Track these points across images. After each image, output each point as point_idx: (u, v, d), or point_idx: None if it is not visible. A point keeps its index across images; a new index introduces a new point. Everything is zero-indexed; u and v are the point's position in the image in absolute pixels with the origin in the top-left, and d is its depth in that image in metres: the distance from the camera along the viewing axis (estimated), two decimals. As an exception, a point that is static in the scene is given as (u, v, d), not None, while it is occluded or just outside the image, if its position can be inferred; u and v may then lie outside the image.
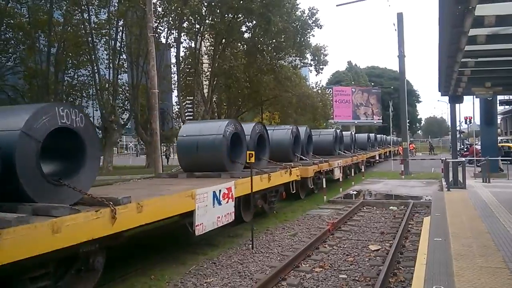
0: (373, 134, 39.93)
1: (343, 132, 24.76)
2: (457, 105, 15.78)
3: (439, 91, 12.38)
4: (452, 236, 6.98)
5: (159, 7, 29.03)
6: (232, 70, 27.83)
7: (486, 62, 8.17)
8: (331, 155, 20.19)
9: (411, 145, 40.71)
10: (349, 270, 7.10)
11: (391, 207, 13.40)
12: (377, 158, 32.40)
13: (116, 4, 30.14)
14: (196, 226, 7.24)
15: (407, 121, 27.39)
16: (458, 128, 24.87)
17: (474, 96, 19.03)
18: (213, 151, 10.13)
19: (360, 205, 13.44)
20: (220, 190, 8.02)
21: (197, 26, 28.64)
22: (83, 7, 28.00)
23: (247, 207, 9.99)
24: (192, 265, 7.39)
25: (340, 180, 17.74)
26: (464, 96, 13.64)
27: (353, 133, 28.89)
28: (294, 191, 12.91)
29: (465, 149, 29.34)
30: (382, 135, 47.76)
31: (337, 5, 31.43)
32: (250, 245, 8.55)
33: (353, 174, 20.55)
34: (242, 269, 7.17)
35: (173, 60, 35.26)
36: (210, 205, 7.62)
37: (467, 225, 7.87)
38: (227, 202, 8.26)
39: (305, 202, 14.63)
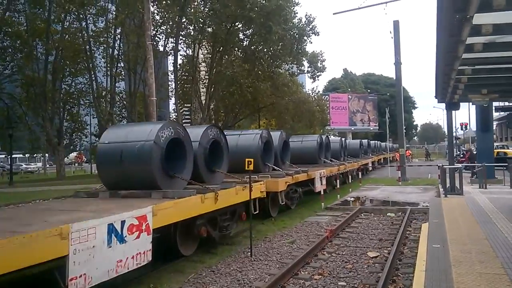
0: (366, 140, 37.83)
1: (330, 138, 22.79)
2: (453, 111, 15.93)
3: (435, 98, 12.48)
4: (450, 243, 7.00)
5: (157, 15, 29.18)
6: (235, 77, 27.94)
7: (482, 70, 8.26)
8: (315, 163, 18.03)
9: (407, 151, 40.69)
10: (348, 277, 7.10)
11: (388, 214, 13.42)
12: (370, 166, 30.36)
13: (113, 13, 30.28)
14: (71, 279, 4.76)
15: (403, 127, 27.49)
16: (454, 134, 25.05)
17: (470, 103, 19.23)
18: (140, 163, 7.83)
19: (357, 212, 13.45)
20: (123, 222, 5.59)
21: (195, 34, 28.75)
22: (81, 15, 28.08)
23: (187, 238, 8.06)
24: (191, 274, 7.37)
25: (322, 193, 15.34)
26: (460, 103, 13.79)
27: (343, 139, 26.35)
28: (257, 212, 10.20)
29: (462, 155, 29.45)
30: (376, 141, 45.63)
31: (334, 13, 31.77)
32: (249, 253, 8.53)
33: (350, 181, 20.59)
34: (241, 277, 7.16)
35: (171, 67, 35.37)
36: (101, 246, 5.22)
37: (465, 231, 7.90)
38: (138, 237, 5.87)
39: (303, 209, 14.63)
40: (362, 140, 34.40)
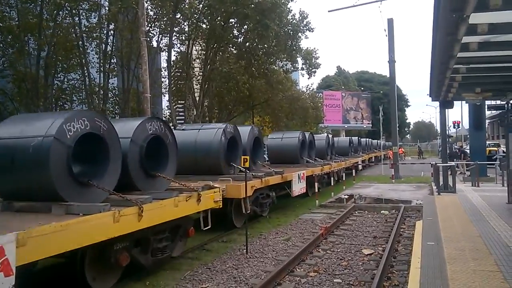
0: (357, 137, 36.46)
1: (314, 136, 20.43)
2: (446, 110, 16.03)
3: (429, 96, 12.55)
4: (444, 240, 7.07)
5: (151, 11, 28.99)
6: (232, 73, 27.85)
7: (477, 69, 8.33)
8: (296, 163, 16.53)
9: (400, 149, 40.83)
10: (343, 275, 7.15)
11: (382, 211, 13.51)
12: (360, 165, 27.51)
13: (107, 8, 30.03)
14: None
15: (397, 125, 27.64)
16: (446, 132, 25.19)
17: (463, 102, 19.37)
18: (35, 167, 5.78)
19: (352, 209, 13.53)
20: None
21: (190, 30, 28.64)
22: (74, 10, 27.83)
23: (101, 267, 6.12)
24: (187, 271, 7.38)
25: (305, 194, 14.88)
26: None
27: (330, 136, 25.40)
28: (209, 226, 8.12)
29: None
30: (367, 139, 43.99)
31: (329, 11, 32.23)
32: (245, 250, 8.56)
33: (333, 183, 20.35)
34: (237, 274, 7.18)
35: (164, 64, 35.20)
36: None
37: (458, 229, 7.97)
38: None
39: (297, 207, 14.69)
40: (352, 138, 32.82)
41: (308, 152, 18.20)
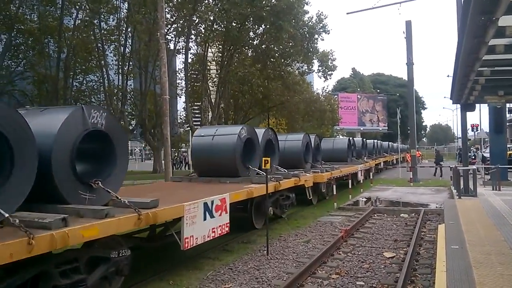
0: (361, 139, 29.71)
1: (320, 139, 19.10)
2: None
3: (450, 99, 12.44)
4: (468, 244, 7.00)
5: (168, 13, 29.30)
6: (247, 76, 28.00)
7: (501, 71, 8.24)
8: (299, 168, 14.92)
9: (417, 152, 40.17)
10: (366, 277, 7.13)
11: (402, 215, 13.40)
12: (360, 176, 20.36)
13: (125, 11, 30.45)
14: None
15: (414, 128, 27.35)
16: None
17: (481, 104, 19.13)
18: None
19: (370, 212, 13.44)
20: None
21: (206, 33, 28.84)
22: (95, 16, 28.22)
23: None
24: (209, 271, 7.44)
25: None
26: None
27: (341, 138, 24.78)
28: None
29: (473, 157, 29.26)
30: (375, 141, 36.67)
31: (347, 13, 31.71)
32: (265, 251, 8.58)
33: (362, 181, 20.56)
34: (259, 275, 7.21)
35: (181, 66, 35.52)
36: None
37: (482, 233, 7.89)
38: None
39: (316, 209, 14.66)
40: (354, 139, 26.85)
41: (314, 156, 17.11)
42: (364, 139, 29.20)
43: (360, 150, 25.91)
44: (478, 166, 18.91)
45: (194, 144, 12.07)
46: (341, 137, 40.96)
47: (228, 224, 7.83)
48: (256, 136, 11.94)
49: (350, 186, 17.16)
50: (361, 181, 20.42)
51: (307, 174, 13.67)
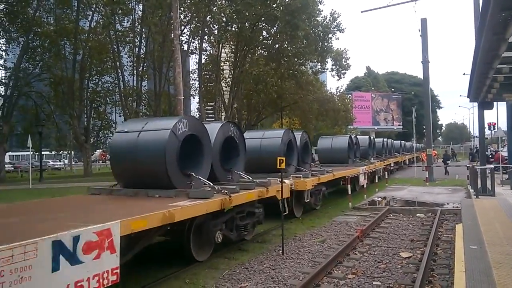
0: (367, 137, 26.24)
1: (308, 136, 16.13)
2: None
3: (468, 97, 12.26)
4: (488, 244, 6.88)
5: (181, 14, 29.48)
6: (261, 75, 28.02)
7: (521, 68, 8.09)
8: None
9: (433, 151, 39.56)
10: (382, 277, 7.07)
11: (418, 214, 13.26)
12: (362, 180, 17.88)
13: (139, 12, 30.72)
14: None
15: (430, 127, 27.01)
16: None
17: (498, 102, 18.78)
18: None
19: (386, 212, 13.32)
20: None
21: (220, 33, 28.94)
22: (112, 18, 28.50)
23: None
24: (225, 270, 7.46)
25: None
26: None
27: (340, 136, 21.55)
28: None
29: (490, 156, 28.81)
30: (385, 139, 32.76)
31: (362, 11, 31.50)
32: (280, 251, 8.57)
33: (377, 181, 20.32)
34: (274, 275, 7.20)
35: (194, 66, 35.71)
36: None
37: (501, 233, 7.75)
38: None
39: (330, 209, 14.60)
40: (359, 137, 24.29)
41: (301, 158, 14.70)
42: (372, 137, 25.92)
43: (366, 150, 22.98)
44: (494, 165, 18.57)
45: (113, 143, 9.06)
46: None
47: (117, 270, 4.84)
48: (204, 132, 8.97)
49: (349, 192, 15.21)
50: (364, 186, 17.70)
51: (286, 181, 10.44)
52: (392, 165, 25.62)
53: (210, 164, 9.01)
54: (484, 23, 5.16)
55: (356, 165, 18.88)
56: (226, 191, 7.71)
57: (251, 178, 9.67)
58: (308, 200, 12.47)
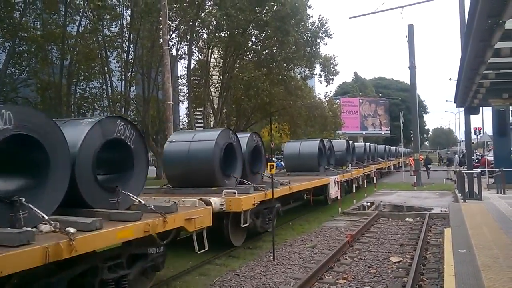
0: (346, 141, 22.73)
1: (260, 139, 12.52)
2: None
3: (454, 102, 12.43)
4: (476, 248, 6.96)
5: (169, 19, 29.43)
6: (253, 81, 28.02)
7: (506, 74, 8.24)
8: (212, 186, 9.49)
9: (420, 156, 39.65)
10: (373, 282, 7.10)
11: (407, 219, 13.36)
12: (334, 192, 15.14)
13: (128, 17, 30.58)
14: None
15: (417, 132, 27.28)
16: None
17: (484, 108, 19.07)
18: None
19: (375, 217, 13.41)
20: None
21: (210, 38, 28.96)
22: (99, 23, 28.30)
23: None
24: (216, 277, 7.42)
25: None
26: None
27: (310, 140, 19.29)
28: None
29: (476, 160, 29.19)
30: (368, 144, 30.02)
31: (350, 18, 31.81)
32: (271, 257, 8.56)
33: (365, 186, 20.38)
34: (266, 281, 7.19)
35: (183, 71, 35.64)
36: None
37: (489, 236, 7.85)
38: None
39: (320, 214, 14.62)
40: (334, 141, 20.78)
41: (247, 166, 11.29)
42: (351, 142, 23.63)
43: (343, 156, 20.51)
44: (481, 169, 18.82)
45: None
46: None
47: None
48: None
49: (311, 203, 14.15)
50: (338, 198, 15.30)
51: (214, 200, 7.99)
52: (374, 171, 22.82)
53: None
54: (470, 30, 5.25)
55: (328, 173, 16.07)
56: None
57: (142, 202, 6.23)
58: (247, 224, 9.07)
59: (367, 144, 29.86)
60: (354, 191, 18.69)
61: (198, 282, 7.19)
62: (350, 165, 20.62)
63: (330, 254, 8.41)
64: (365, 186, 20.92)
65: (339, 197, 15.34)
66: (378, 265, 8.10)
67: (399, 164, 39.33)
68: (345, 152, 20.75)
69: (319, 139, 17.66)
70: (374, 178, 22.16)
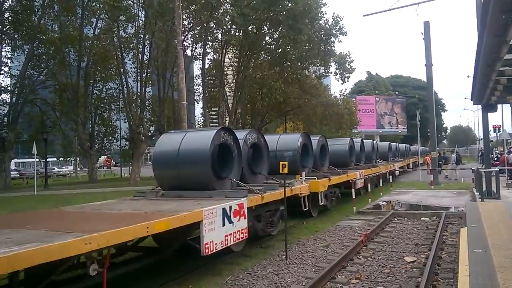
0: (349, 140, 19.71)
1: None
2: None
3: (471, 99, 12.21)
4: (492, 248, 6.83)
5: (185, 20, 29.61)
6: (266, 80, 28.03)
7: (523, 70, 8.05)
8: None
9: (428, 156, 38.26)
10: (386, 282, 7.02)
11: (422, 218, 13.17)
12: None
13: (143, 19, 30.89)
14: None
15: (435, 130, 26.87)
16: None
17: (503, 105, 18.70)
18: None
19: (390, 216, 13.25)
20: None
21: (224, 38, 29.03)
22: (114, 24, 28.64)
23: None
24: (228, 276, 7.43)
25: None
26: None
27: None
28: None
29: (496, 159, 28.65)
30: (374, 142, 26.63)
31: (364, 15, 31.67)
32: (284, 256, 8.54)
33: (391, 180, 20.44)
34: (278, 280, 7.17)
35: (198, 72, 35.82)
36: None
37: (506, 236, 7.70)
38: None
39: (334, 213, 14.53)
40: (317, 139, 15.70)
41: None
42: (374, 141, 22.46)
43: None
44: (500, 168, 18.46)
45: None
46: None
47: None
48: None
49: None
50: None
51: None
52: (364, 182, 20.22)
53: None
54: (484, 25, 5.14)
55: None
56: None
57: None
58: None
59: (367, 142, 24.61)
60: (381, 185, 21.47)
61: (210, 280, 7.21)
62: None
63: (343, 254, 8.35)
64: (391, 180, 22.10)
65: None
66: (392, 265, 8.00)
67: (416, 163, 38.85)
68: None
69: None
70: (390, 177, 22.13)
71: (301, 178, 12.26)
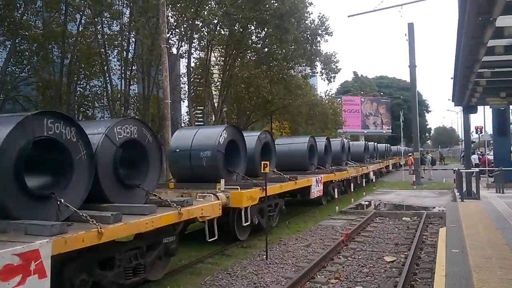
0: (311, 139, 16.28)
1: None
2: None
3: (452, 101, 12.36)
4: (469, 248, 6.91)
5: (171, 18, 29.35)
6: (253, 78, 27.93)
7: (502, 72, 8.15)
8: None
9: (410, 157, 38.12)
10: (365, 282, 7.05)
11: (404, 218, 13.30)
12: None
13: (127, 16, 30.54)
14: None
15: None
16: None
17: (486, 107, 18.96)
18: None
19: (372, 216, 13.35)
20: None
21: (210, 36, 28.88)
22: (96, 18, 28.30)
23: None
24: (207, 276, 7.38)
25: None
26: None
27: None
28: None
29: (478, 160, 29.03)
30: (343, 140, 22.88)
31: (348, 16, 31.83)
32: (264, 256, 8.52)
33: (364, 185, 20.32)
34: (257, 280, 7.15)
35: (184, 70, 35.55)
36: None
37: (484, 236, 7.79)
38: None
39: (317, 213, 14.57)
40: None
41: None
42: (346, 140, 21.46)
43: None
44: (481, 169, 18.73)
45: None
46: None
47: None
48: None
49: (352, 190, 15.60)
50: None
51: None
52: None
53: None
54: (462, 27, 5.18)
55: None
56: None
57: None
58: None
59: (345, 141, 24.43)
60: (352, 190, 18.12)
61: (189, 281, 7.15)
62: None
63: (323, 253, 8.37)
64: (364, 185, 21.08)
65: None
66: (371, 265, 8.04)
67: (400, 163, 39.18)
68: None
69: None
70: (373, 178, 22.03)
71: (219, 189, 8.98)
